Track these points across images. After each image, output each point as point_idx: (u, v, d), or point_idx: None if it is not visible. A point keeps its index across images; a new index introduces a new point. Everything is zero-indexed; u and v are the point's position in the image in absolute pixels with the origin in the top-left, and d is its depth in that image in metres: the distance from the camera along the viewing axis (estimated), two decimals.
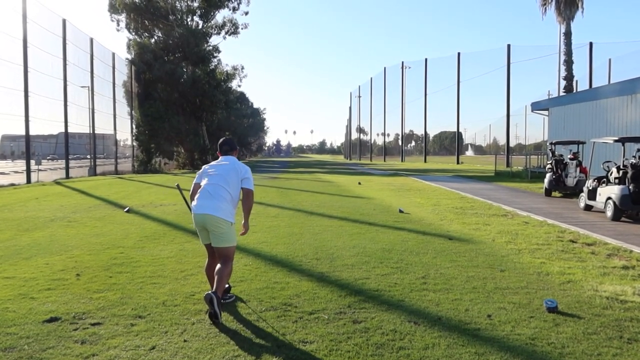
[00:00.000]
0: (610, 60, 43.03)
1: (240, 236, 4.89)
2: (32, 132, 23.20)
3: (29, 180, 22.19)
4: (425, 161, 60.65)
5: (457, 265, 6.24)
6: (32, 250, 7.19)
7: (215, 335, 3.93)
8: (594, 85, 37.75)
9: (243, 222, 4.82)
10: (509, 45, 43.22)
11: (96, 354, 3.56)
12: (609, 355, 3.58)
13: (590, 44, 41.03)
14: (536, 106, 29.06)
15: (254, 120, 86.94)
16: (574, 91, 34.60)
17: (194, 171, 36.87)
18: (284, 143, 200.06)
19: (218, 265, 4.53)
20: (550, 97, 39.42)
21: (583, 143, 16.87)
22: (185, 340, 3.82)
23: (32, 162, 23.46)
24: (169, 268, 6.11)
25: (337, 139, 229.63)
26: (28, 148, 23.48)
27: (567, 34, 35.16)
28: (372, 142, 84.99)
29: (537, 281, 5.53)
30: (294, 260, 6.52)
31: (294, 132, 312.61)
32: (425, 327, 4.12)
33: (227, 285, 4.85)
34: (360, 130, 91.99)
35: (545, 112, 28.06)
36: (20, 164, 34.51)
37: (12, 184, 20.74)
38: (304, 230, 8.95)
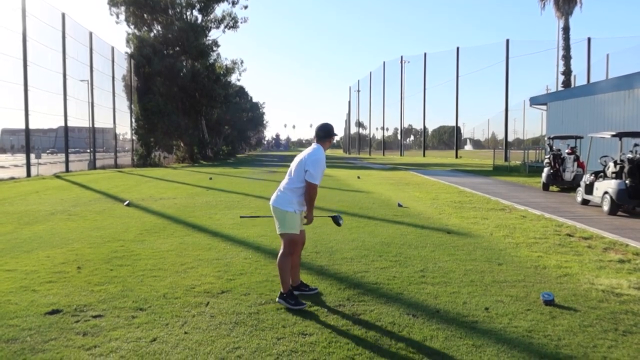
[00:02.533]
0: (608, 55, 43.02)
1: (305, 225, 4.83)
2: (31, 126, 23.20)
3: (29, 174, 22.20)
4: (424, 155, 60.70)
5: (455, 258, 6.29)
6: (33, 244, 7.23)
7: (216, 327, 3.98)
8: (592, 81, 37.78)
9: (306, 213, 4.71)
10: (507, 40, 43.21)
11: (98, 346, 3.61)
12: (604, 347, 3.63)
13: (589, 39, 41.06)
14: (534, 101, 29.07)
15: (253, 115, 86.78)
16: (572, 86, 34.61)
17: (193, 165, 36.89)
18: (283, 137, 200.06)
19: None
20: (548, 92, 39.44)
21: (581, 138, 16.91)
22: (186, 333, 3.86)
23: (32, 155, 23.45)
24: (169, 261, 6.16)
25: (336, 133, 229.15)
26: (28, 142, 23.47)
27: (566, 29, 35.14)
28: (371, 136, 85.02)
29: (534, 274, 5.58)
30: None
31: (294, 126, 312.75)
32: (423, 319, 4.17)
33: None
34: (360, 124, 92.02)
35: (544, 107, 28.07)
36: (20, 158, 34.43)
37: (12, 178, 20.76)
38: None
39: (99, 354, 3.47)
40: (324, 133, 4.74)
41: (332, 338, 3.76)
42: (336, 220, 5.04)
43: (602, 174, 11.69)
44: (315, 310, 4.38)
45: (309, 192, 4.55)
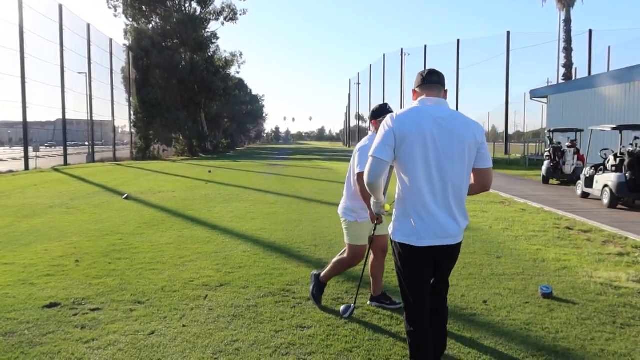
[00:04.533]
0: (609, 47, 42.81)
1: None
2: (29, 119, 23.16)
3: (27, 167, 22.18)
4: None
5: None
6: (31, 237, 7.22)
7: (214, 320, 3.98)
8: (593, 73, 37.62)
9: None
10: (508, 32, 42.93)
11: (96, 339, 3.60)
12: (602, 340, 3.63)
13: (590, 31, 40.78)
14: (535, 94, 29.00)
15: (252, 107, 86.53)
16: (573, 79, 34.51)
17: (192, 158, 36.85)
18: (282, 130, 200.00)
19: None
20: (549, 84, 39.35)
21: (581, 131, 16.88)
22: (184, 326, 3.86)
23: (30, 148, 23.42)
24: (168, 254, 6.15)
25: (336, 126, 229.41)
26: (26, 135, 23.42)
27: (567, 21, 35.02)
28: None
29: (532, 267, 5.58)
30: (293, 247, 6.56)
31: (293, 119, 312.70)
32: None
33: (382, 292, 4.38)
34: (359, 117, 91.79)
35: (544, 100, 28.01)
36: (18, 151, 34.41)
37: (10, 171, 20.73)
38: (303, 217, 8.99)
39: (97, 347, 3.47)
40: (372, 114, 4.03)
41: (330, 331, 3.76)
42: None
43: (602, 167, 11.68)
44: (313, 303, 4.37)
45: (359, 183, 3.82)
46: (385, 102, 4.33)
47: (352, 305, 3.93)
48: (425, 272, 2.73)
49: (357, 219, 4.04)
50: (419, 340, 2.71)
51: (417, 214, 2.63)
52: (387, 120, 2.69)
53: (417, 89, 2.82)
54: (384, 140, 2.62)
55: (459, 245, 2.81)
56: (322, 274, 4.35)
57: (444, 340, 2.95)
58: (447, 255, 2.76)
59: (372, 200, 2.97)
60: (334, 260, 4.31)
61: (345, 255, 4.21)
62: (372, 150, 2.64)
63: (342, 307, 4.03)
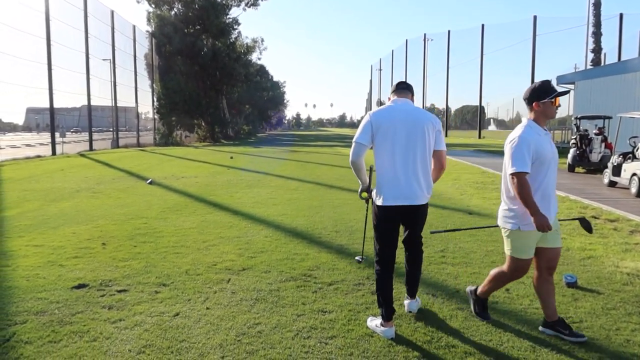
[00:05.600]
0: None
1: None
2: (56, 105, 23.59)
3: (54, 152, 22.69)
4: (446, 135, 59.80)
5: (477, 239, 6.23)
6: (59, 220, 7.41)
7: (237, 303, 4.04)
8: (623, 58, 36.53)
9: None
10: (535, 17, 41.89)
11: (123, 319, 3.70)
12: (628, 330, 3.57)
13: (621, 15, 39.49)
14: (562, 80, 28.32)
15: (273, 94, 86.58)
16: (602, 64, 33.55)
17: (214, 144, 37.12)
18: (304, 116, 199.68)
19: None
20: (576, 70, 38.37)
21: (609, 118, 16.45)
22: (207, 308, 3.93)
23: (57, 134, 23.91)
24: (191, 238, 6.25)
25: (357, 113, 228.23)
26: (52, 120, 23.90)
27: (597, 5, 34.00)
28: None
29: None
30: (314, 233, 6.60)
31: (314, 106, 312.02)
32: (443, 299, 4.16)
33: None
34: (381, 103, 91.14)
35: (571, 86, 27.37)
36: (46, 136, 35.19)
37: (38, 156, 21.24)
38: (324, 203, 9.01)
39: (124, 327, 3.56)
40: (532, 94, 3.48)
41: (351, 316, 3.78)
42: (587, 226, 4.02)
43: (630, 155, 11.39)
44: (335, 288, 4.41)
45: (513, 187, 3.34)
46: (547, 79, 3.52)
47: (360, 258, 4.36)
48: (396, 225, 3.61)
49: (520, 227, 3.34)
50: (384, 274, 3.59)
51: (392, 182, 3.49)
52: (366, 117, 3.59)
53: (390, 95, 3.80)
54: (364, 130, 3.52)
55: (425, 206, 3.63)
56: (480, 290, 3.82)
57: (417, 280, 3.87)
58: (414, 212, 3.57)
59: (359, 181, 3.83)
60: (493, 273, 3.72)
61: (505, 268, 3.59)
62: (355, 137, 3.53)
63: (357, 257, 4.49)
